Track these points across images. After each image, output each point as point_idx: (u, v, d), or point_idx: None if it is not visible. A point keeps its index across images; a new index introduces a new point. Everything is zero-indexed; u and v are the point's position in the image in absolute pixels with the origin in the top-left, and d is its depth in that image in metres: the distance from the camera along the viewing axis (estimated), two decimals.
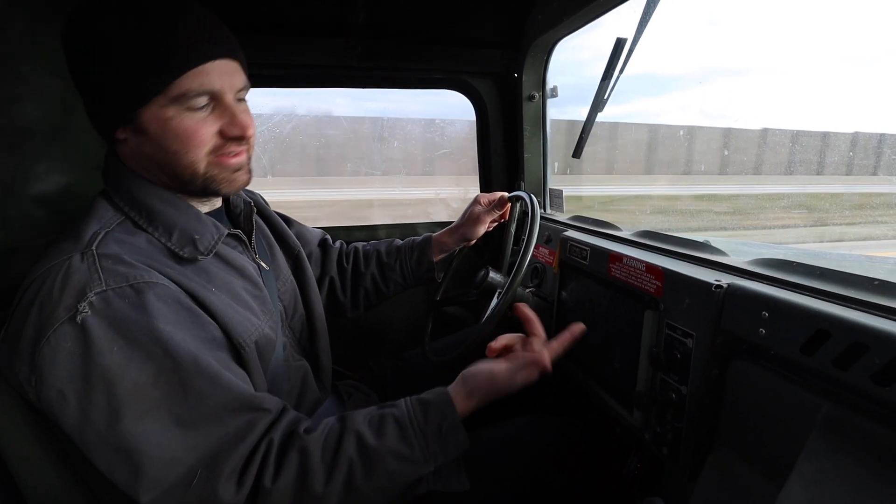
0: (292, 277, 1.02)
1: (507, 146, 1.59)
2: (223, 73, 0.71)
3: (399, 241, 1.25)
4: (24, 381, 0.64)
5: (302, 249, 1.07)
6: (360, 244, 1.26)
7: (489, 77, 1.52)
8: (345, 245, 1.26)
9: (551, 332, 1.14)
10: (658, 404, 0.79)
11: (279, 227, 1.06)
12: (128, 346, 0.64)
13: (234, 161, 0.75)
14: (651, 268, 0.82)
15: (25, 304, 0.65)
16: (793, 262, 0.71)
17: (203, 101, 0.70)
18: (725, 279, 0.71)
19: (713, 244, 0.91)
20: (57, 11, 1.01)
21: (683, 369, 0.74)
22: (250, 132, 0.74)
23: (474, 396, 0.80)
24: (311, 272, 1.06)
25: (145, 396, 0.64)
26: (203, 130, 0.71)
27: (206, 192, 0.77)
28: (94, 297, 0.63)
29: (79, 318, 0.62)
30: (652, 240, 1.00)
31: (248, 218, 0.93)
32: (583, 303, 1.03)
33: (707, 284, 0.70)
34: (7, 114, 0.89)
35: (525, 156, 1.53)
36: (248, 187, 0.87)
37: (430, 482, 0.76)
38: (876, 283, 0.60)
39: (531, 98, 1.48)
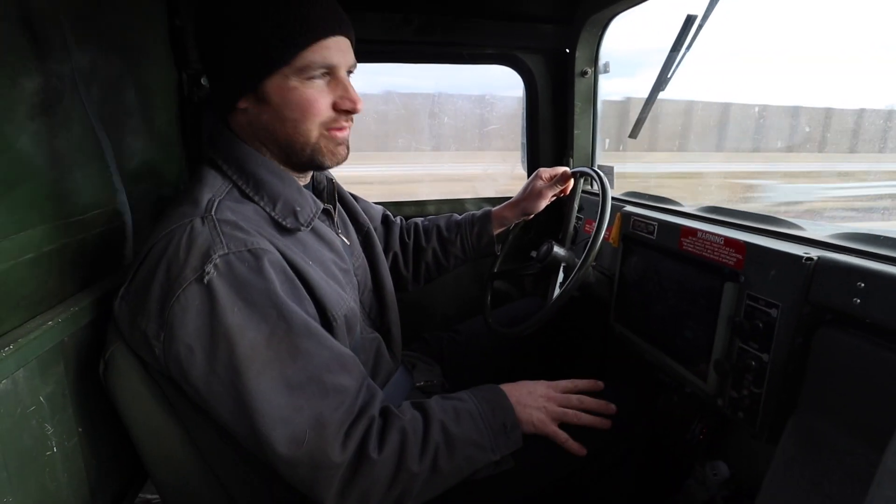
0: (363, 253, 1.06)
1: (555, 123, 1.60)
2: (340, 49, 0.76)
3: (457, 217, 1.28)
4: (151, 336, 0.69)
5: (371, 226, 1.10)
6: (418, 220, 1.29)
7: (541, 53, 1.52)
8: (404, 221, 1.29)
9: (610, 305, 1.19)
10: (736, 371, 0.82)
11: (351, 205, 1.09)
12: (247, 308, 0.68)
13: (341, 135, 0.81)
14: (731, 241, 0.85)
15: (151, 264, 0.69)
16: (880, 235, 0.74)
17: (321, 73, 0.75)
18: (814, 252, 0.73)
19: (783, 219, 0.93)
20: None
21: (766, 338, 0.77)
22: (360, 106, 0.79)
23: (524, 410, 0.87)
24: (380, 248, 1.10)
25: (260, 356, 0.68)
26: (320, 101, 0.77)
27: (312, 163, 0.82)
28: (218, 260, 0.67)
29: (206, 279, 0.66)
30: (718, 214, 1.02)
31: (331, 195, 0.96)
32: (648, 275, 1.06)
33: (796, 257, 0.73)
34: (107, 95, 0.92)
35: (575, 132, 1.54)
36: None
37: (489, 468, 0.83)
38: None
39: (584, 74, 1.49)
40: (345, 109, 0.79)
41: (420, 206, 1.62)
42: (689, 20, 1.09)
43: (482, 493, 0.87)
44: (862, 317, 0.65)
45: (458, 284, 1.68)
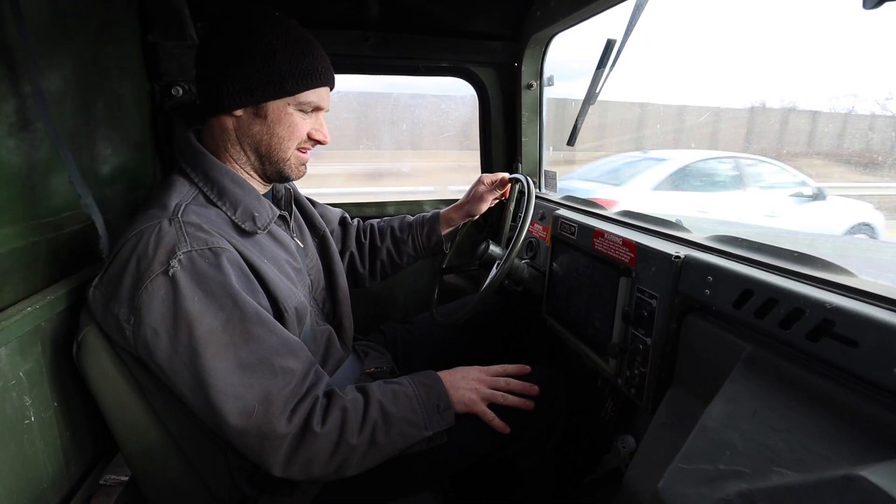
0: (318, 255, 1.18)
1: (506, 130, 1.73)
2: (327, 97, 0.98)
3: (410, 218, 1.41)
4: (122, 320, 0.80)
5: (327, 230, 1.22)
6: (374, 221, 1.41)
7: (491, 66, 1.65)
8: (361, 222, 1.41)
9: (543, 298, 1.32)
10: (628, 354, 0.96)
11: (308, 211, 1.21)
12: (206, 298, 0.80)
13: (305, 156, 0.99)
14: (627, 242, 0.98)
15: (123, 258, 0.81)
16: (738, 238, 0.87)
17: (310, 109, 0.95)
18: (683, 251, 0.87)
19: (683, 224, 1.07)
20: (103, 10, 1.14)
21: (649, 324, 0.91)
22: (328, 141, 0.99)
23: (457, 392, 1.00)
24: (335, 249, 1.22)
25: (217, 340, 0.80)
26: (303, 128, 0.96)
27: (280, 175, 0.98)
28: (182, 256, 0.79)
29: (170, 272, 0.78)
30: (630, 218, 1.16)
31: (288, 202, 1.08)
32: (570, 272, 1.19)
33: (668, 255, 0.87)
34: (80, 107, 1.03)
35: (523, 139, 1.67)
36: None
37: (423, 442, 0.95)
38: (795, 254, 0.76)
39: (529, 86, 1.62)
40: (317, 139, 0.98)
41: (381, 207, 1.74)
42: (610, 44, 1.23)
43: (420, 466, 1.00)
44: (710, 305, 0.79)
45: (417, 280, 1.80)
